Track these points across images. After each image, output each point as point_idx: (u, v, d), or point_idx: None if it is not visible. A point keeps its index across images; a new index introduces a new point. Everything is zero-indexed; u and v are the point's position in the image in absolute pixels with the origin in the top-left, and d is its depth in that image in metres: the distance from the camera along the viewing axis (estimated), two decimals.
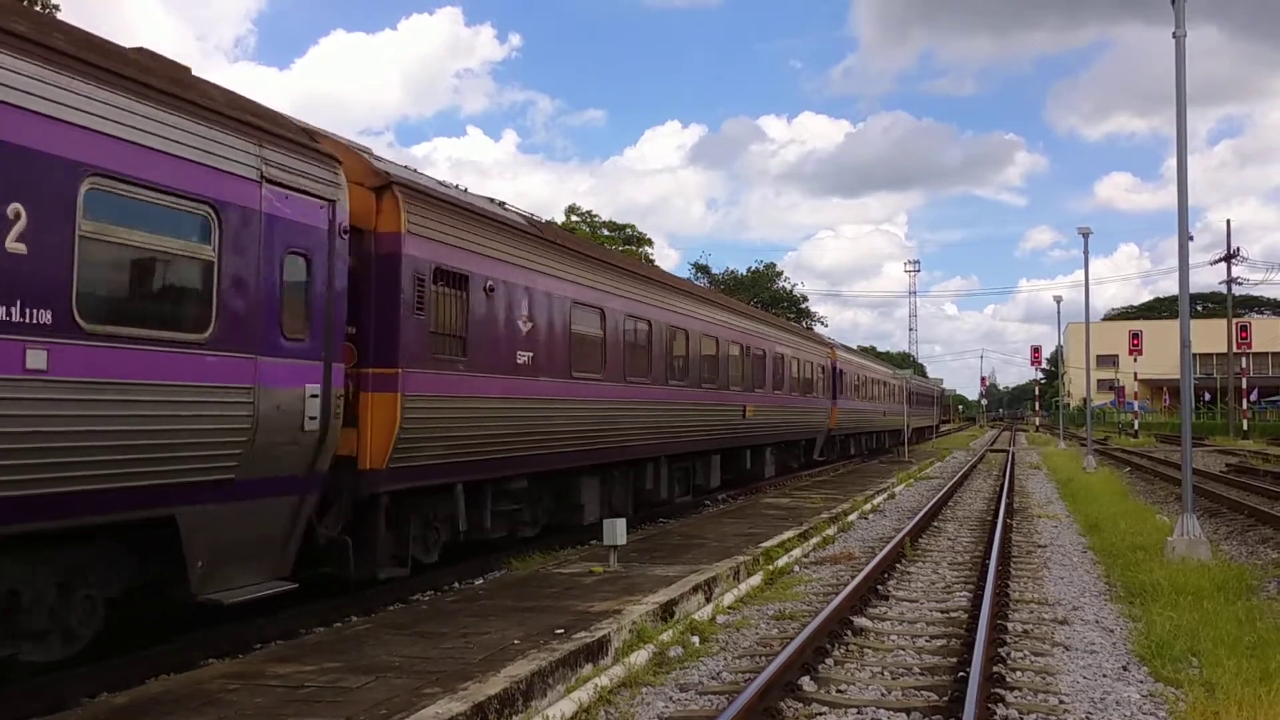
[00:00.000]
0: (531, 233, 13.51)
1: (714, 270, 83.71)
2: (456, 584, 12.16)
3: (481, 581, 12.16)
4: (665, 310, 17.95)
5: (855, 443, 42.15)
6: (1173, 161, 14.96)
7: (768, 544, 14.29)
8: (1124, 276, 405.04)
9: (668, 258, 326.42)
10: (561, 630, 8.65)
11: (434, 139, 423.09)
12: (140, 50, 7.97)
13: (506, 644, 8.22)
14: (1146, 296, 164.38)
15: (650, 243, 72.51)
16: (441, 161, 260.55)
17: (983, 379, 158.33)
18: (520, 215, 13.76)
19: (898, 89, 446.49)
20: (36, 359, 6.25)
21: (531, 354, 12.72)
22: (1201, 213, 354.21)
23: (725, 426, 21.34)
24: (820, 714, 7.33)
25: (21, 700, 7.12)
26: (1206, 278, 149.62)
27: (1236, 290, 66.54)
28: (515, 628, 8.84)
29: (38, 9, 23.85)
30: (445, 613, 9.71)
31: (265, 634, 9.39)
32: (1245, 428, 59.51)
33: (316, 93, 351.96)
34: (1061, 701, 7.60)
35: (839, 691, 7.88)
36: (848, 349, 42.43)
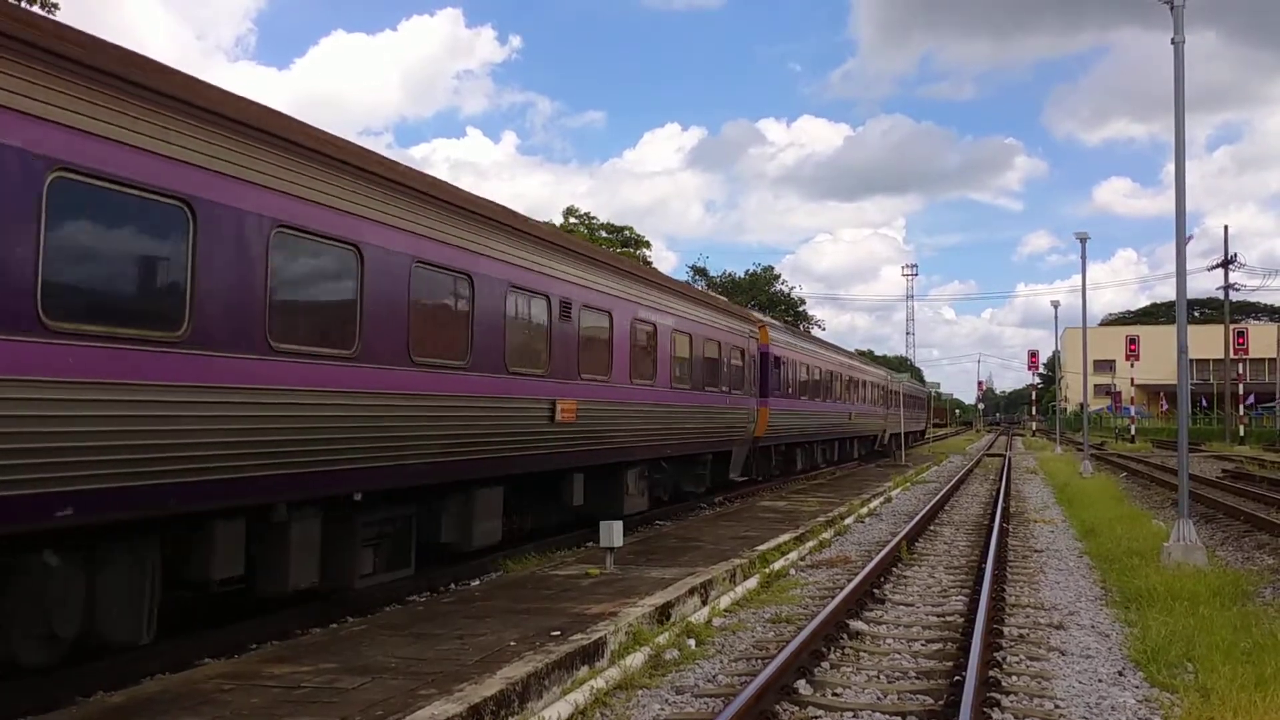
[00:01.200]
0: None
1: (712, 273, 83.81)
2: (453, 585, 12.17)
3: (478, 583, 12.16)
4: (316, 208, 9.06)
5: (804, 454, 32.07)
6: (1171, 167, 15.00)
7: (764, 547, 14.29)
8: (1122, 282, 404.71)
9: (666, 260, 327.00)
10: (558, 632, 8.65)
11: (433, 140, 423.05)
12: None
13: (502, 645, 8.22)
14: (1144, 302, 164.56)
15: (649, 245, 72.54)
16: (440, 162, 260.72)
17: (980, 383, 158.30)
18: None
19: (897, 93, 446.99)
20: None
21: None
22: (1200, 218, 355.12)
23: (503, 437, 12.21)
24: (816, 717, 7.33)
25: (16, 698, 7.11)
26: (1204, 283, 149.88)
27: (1234, 296, 66.78)
28: (511, 629, 8.84)
29: (36, 8, 23.86)
30: (441, 614, 9.71)
31: (261, 634, 9.38)
32: (1241, 433, 59.56)
33: (316, 93, 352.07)
34: (1057, 706, 7.61)
35: (835, 695, 7.88)
36: (790, 330, 33.35)
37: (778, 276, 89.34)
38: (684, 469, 20.53)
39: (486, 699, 6.67)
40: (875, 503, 22.99)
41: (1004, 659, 8.88)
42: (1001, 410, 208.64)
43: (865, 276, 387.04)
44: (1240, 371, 62.72)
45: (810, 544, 15.77)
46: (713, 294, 26.61)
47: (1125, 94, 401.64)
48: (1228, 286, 63.80)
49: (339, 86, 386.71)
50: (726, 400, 21.65)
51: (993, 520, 18.40)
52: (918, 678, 8.40)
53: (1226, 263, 62.90)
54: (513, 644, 8.26)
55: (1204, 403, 79.20)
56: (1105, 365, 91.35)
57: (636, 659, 8.47)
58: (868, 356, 79.46)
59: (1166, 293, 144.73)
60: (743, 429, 23.17)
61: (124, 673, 7.84)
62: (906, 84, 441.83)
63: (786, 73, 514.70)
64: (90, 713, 6.62)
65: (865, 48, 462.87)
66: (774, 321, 29.67)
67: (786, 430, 27.93)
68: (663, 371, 17.78)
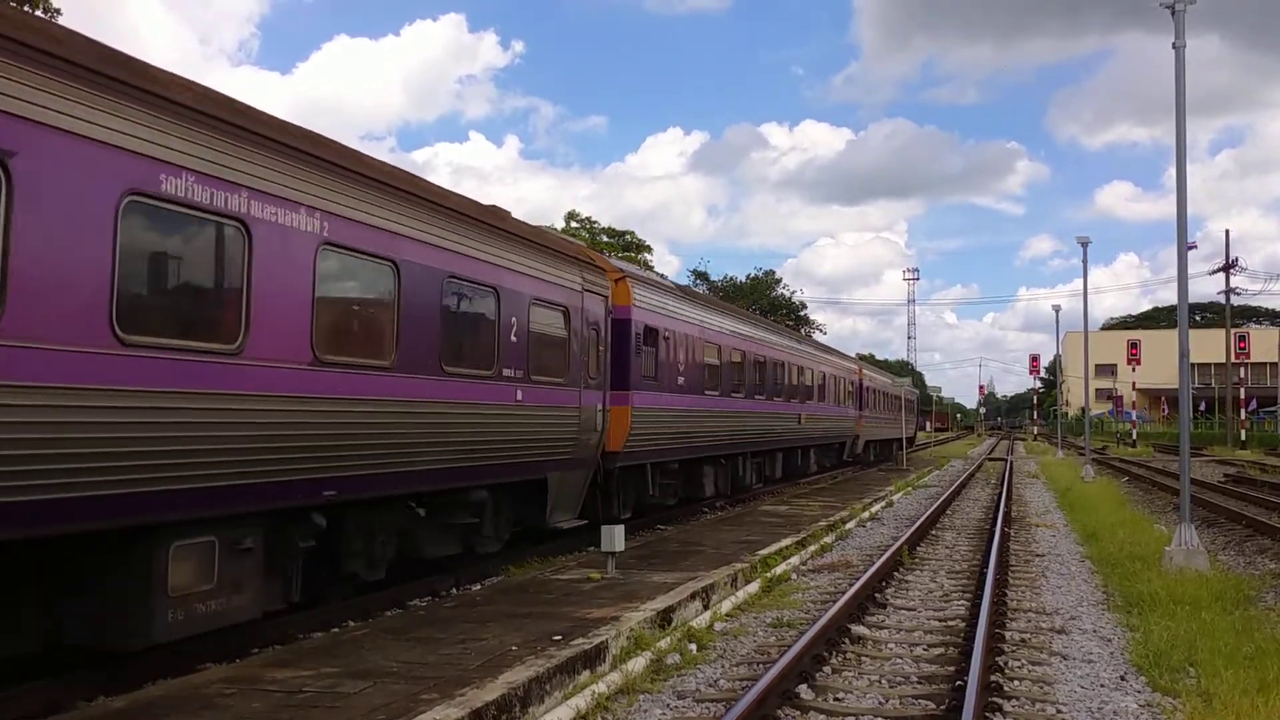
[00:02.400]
0: None
1: (713, 277, 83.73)
2: (455, 589, 12.17)
3: (479, 587, 12.16)
4: None
5: (720, 471, 22.22)
6: (1174, 170, 15.00)
7: (765, 551, 14.29)
8: (1123, 286, 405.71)
9: (669, 263, 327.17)
10: (559, 636, 8.65)
11: (435, 144, 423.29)
12: None
13: (504, 650, 8.22)
14: (1146, 306, 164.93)
15: (650, 249, 72.43)
16: (443, 167, 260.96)
17: (981, 387, 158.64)
18: None
19: (899, 97, 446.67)
20: None
21: None
22: (1202, 222, 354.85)
23: None
24: None
25: (17, 703, 7.11)
26: (1205, 287, 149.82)
27: (1235, 300, 66.77)
28: (513, 634, 8.84)
29: (38, 13, 23.92)
30: (443, 618, 9.70)
31: (263, 638, 9.37)
32: (1243, 438, 59.51)
33: (318, 97, 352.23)
34: (1059, 711, 7.60)
35: (837, 700, 7.87)
36: (681, 291, 22.07)
37: (779, 280, 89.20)
38: (420, 522, 11.32)
39: (488, 703, 6.67)
40: (877, 507, 22.98)
41: (1006, 663, 8.88)
42: (1003, 414, 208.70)
43: (867, 280, 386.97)
44: (1241, 376, 62.75)
45: (812, 548, 15.77)
46: (476, 201, 13.13)
47: (1128, 98, 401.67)
48: (1229, 291, 63.78)
49: (342, 91, 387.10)
50: (516, 394, 12.50)
51: (994, 524, 18.39)
52: (920, 682, 8.39)
53: (1228, 267, 62.88)
54: (514, 648, 8.26)
55: (1203, 407, 79.14)
56: (1107, 369, 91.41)
57: (638, 663, 8.47)
58: (868, 360, 79.03)
59: (1168, 297, 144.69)
60: (570, 442, 14.10)
61: (125, 677, 7.83)
62: (909, 88, 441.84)
63: (789, 76, 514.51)
64: (91, 716, 6.62)
65: (868, 51, 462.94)
66: (647, 274, 20.17)
67: (669, 439, 18.33)
68: (279, 330, 8.53)
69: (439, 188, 12.03)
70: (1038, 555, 15.94)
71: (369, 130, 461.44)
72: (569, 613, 9.78)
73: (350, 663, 7.85)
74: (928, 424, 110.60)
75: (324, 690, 7.08)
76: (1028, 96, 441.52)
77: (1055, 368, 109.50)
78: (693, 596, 10.90)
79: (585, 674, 8.04)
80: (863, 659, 9.19)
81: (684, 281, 68.82)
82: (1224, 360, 64.11)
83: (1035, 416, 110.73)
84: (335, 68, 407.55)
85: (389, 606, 10.96)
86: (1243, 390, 61.83)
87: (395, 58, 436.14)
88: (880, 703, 7.80)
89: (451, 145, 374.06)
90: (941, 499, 24.54)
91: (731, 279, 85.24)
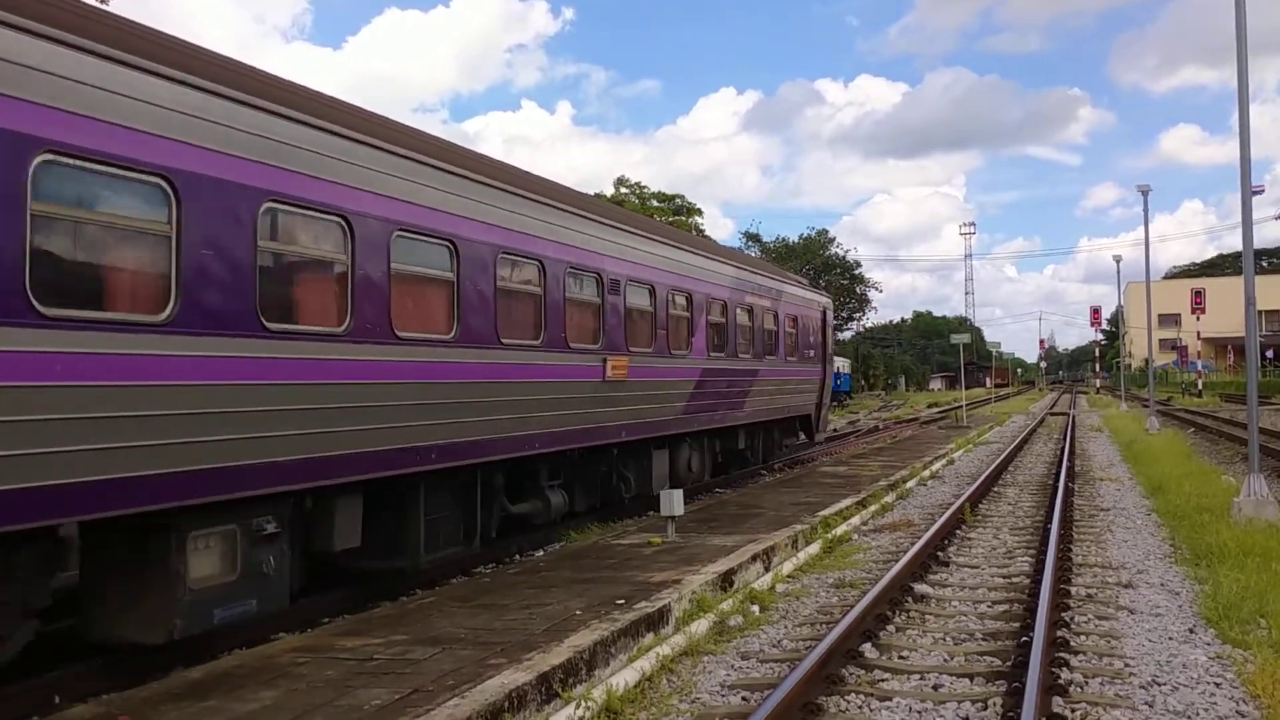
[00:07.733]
0: None
1: (765, 238, 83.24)
2: (518, 556, 12.32)
3: (542, 554, 12.31)
4: None
5: None
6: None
7: (825, 512, 14.28)
8: (1188, 233, 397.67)
9: (723, 227, 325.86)
10: (622, 600, 8.74)
11: (488, 114, 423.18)
12: None
13: (569, 615, 8.32)
14: (1211, 253, 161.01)
15: (700, 212, 72.10)
16: (494, 137, 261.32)
17: (1041, 342, 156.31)
18: None
19: (958, 46, 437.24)
20: None
21: None
22: (1270, 164, 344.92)
23: None
24: (883, 680, 7.34)
25: (97, 678, 7.35)
26: (1273, 232, 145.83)
27: None
28: (576, 599, 8.95)
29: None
30: (507, 585, 9.84)
31: (333, 609, 9.58)
32: None
33: (370, 71, 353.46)
34: (1127, 664, 7.54)
35: (901, 658, 7.88)
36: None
37: (832, 240, 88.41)
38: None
39: (555, 667, 6.77)
40: (937, 465, 22.83)
41: (1072, 619, 8.82)
42: (1064, 368, 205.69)
43: (926, 236, 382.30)
44: None
45: (872, 508, 15.72)
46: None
47: (1193, 39, 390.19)
48: None
49: (393, 64, 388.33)
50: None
51: (1057, 480, 18.19)
52: (984, 639, 8.36)
53: None
54: (579, 613, 8.36)
55: (1272, 354, 77.32)
56: (1170, 319, 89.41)
57: (701, 626, 8.53)
58: (924, 317, 77.85)
59: (1233, 243, 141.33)
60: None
61: (201, 648, 8.05)
62: (967, 36, 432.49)
63: (843, 28, 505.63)
64: (170, 687, 6.81)
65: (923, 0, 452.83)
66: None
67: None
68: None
69: None
70: (1102, 510, 15.76)
71: (421, 103, 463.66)
72: (631, 577, 9.88)
73: (419, 630, 8.00)
74: (987, 380, 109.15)
75: (394, 658, 7.23)
76: (1090, 41, 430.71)
77: (1117, 319, 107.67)
78: (753, 559, 10.94)
79: (649, 637, 8.12)
80: (926, 617, 9.17)
81: (735, 244, 67.99)
82: None
83: (1098, 369, 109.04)
84: (386, 41, 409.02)
85: (455, 574, 11.13)
86: None
87: (446, 29, 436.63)
88: (945, 660, 7.79)
89: (503, 114, 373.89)
90: (1003, 455, 24.30)
91: (784, 240, 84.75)
